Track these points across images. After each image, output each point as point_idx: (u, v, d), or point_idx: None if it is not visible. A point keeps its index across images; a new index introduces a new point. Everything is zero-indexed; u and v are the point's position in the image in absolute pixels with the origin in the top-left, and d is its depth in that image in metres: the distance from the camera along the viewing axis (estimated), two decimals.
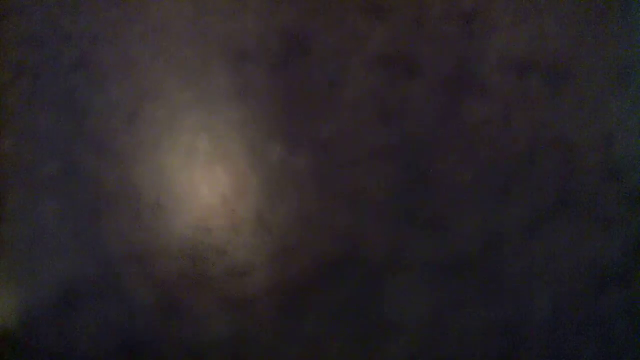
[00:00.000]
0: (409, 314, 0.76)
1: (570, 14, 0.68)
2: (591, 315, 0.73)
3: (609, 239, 0.66)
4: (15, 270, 0.89)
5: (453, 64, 0.61)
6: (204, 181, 0.77)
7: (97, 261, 0.87)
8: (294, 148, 0.48)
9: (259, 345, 0.80)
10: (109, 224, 0.85)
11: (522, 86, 0.59)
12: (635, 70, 0.59)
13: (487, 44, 0.64)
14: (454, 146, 0.47)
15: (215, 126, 0.69)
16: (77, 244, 0.87)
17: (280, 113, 0.54)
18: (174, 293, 0.84)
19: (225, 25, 0.64)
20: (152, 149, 0.77)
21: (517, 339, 0.74)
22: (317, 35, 0.62)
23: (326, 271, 0.75)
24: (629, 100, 0.56)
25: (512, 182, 0.56)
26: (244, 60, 0.58)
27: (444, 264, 0.72)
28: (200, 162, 0.76)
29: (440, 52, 0.63)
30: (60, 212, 0.87)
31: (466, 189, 0.48)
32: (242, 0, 0.70)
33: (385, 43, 0.63)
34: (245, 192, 0.73)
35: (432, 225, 0.66)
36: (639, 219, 0.65)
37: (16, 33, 0.86)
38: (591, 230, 0.60)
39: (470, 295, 0.73)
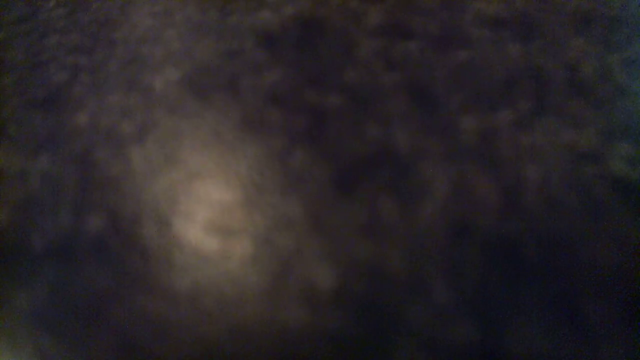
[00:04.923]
0: None
1: None
2: None
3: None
4: None
5: (438, 25, 0.77)
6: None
7: None
8: (325, 92, 0.61)
9: None
10: None
11: (495, 36, 0.74)
12: (594, 16, 0.73)
13: (463, 9, 0.80)
14: (445, 80, 0.62)
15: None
16: None
17: (308, 72, 0.69)
18: None
19: (250, 17, 0.79)
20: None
21: None
22: (328, 17, 0.78)
23: None
24: (589, 37, 0.70)
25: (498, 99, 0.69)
26: (272, 41, 0.73)
27: None
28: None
29: (426, 19, 0.79)
30: None
31: (462, 101, 0.60)
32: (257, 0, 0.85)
33: (380, 18, 0.79)
34: None
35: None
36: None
37: None
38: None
39: None
